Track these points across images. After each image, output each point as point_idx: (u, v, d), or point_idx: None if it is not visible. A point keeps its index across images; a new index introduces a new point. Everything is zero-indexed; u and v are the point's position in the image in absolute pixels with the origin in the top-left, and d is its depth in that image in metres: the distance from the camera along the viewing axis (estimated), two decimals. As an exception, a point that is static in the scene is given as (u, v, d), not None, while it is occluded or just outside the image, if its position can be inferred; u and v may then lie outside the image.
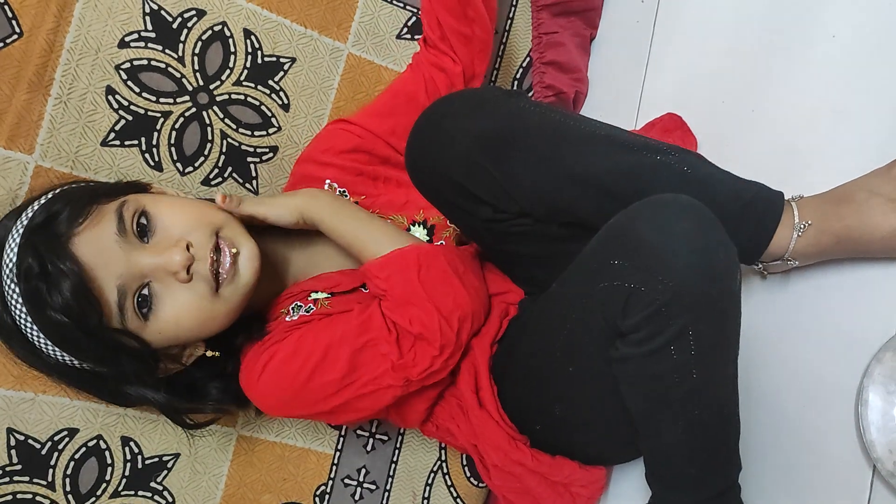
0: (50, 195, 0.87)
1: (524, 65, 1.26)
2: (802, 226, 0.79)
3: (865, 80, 0.88)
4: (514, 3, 1.23)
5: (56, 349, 0.83)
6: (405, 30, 1.17)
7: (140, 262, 0.82)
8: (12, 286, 0.81)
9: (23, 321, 0.82)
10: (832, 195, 0.80)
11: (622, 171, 0.80)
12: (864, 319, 0.81)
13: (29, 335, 0.83)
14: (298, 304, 0.95)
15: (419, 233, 1.00)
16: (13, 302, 0.81)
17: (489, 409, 0.93)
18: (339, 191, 1.02)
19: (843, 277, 0.83)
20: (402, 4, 1.16)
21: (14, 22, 0.94)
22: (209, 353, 0.92)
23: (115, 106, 1.00)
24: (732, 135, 1.00)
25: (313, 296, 0.95)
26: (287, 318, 0.94)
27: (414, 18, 1.17)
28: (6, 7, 0.93)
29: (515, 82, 1.26)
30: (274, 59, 1.09)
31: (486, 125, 0.82)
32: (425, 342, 0.87)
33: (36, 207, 0.85)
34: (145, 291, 0.83)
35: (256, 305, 0.94)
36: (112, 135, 1.00)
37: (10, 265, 0.81)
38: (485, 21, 1.06)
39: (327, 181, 1.03)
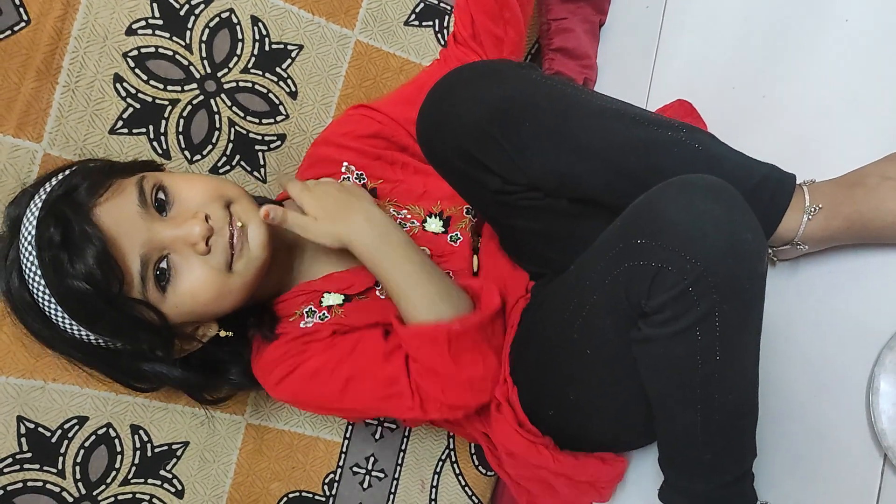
0: (67, 171, 0.87)
1: (532, 51, 1.25)
2: (813, 209, 0.79)
3: (879, 66, 0.88)
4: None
5: (73, 322, 0.83)
6: (413, 16, 1.16)
7: (161, 233, 0.82)
8: (31, 258, 0.80)
9: (40, 294, 0.82)
10: (844, 180, 0.80)
11: (633, 146, 0.80)
12: (876, 307, 0.80)
13: (46, 309, 0.83)
14: (313, 309, 0.94)
15: (435, 224, 0.99)
16: (31, 274, 0.81)
17: (507, 416, 0.93)
18: (357, 174, 1.02)
19: (853, 265, 0.82)
20: (409, -9, 1.16)
21: (21, 9, 0.93)
22: (222, 333, 0.91)
23: (123, 94, 0.99)
24: (743, 121, 0.99)
25: (326, 299, 0.94)
26: (301, 324, 0.93)
27: (422, 5, 1.16)
28: (14, -7, 0.93)
29: (523, 70, 1.25)
30: (281, 46, 1.08)
31: (497, 94, 0.81)
32: (450, 407, 0.88)
33: (53, 182, 0.84)
34: (164, 264, 0.83)
35: (267, 293, 0.94)
36: (120, 123, 1.00)
37: (29, 237, 0.81)
38: (519, 24, 1.05)
39: (345, 163, 1.03)
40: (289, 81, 1.09)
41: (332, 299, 0.95)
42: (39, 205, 0.82)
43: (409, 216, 1.00)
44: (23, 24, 0.93)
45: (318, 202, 0.89)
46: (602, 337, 0.79)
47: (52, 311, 0.83)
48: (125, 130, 1.00)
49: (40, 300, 0.82)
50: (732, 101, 1.02)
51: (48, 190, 0.83)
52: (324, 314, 0.94)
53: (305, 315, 0.94)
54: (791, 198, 0.79)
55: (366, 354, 0.89)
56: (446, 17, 1.18)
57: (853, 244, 0.82)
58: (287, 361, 0.90)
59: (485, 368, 0.89)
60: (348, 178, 1.01)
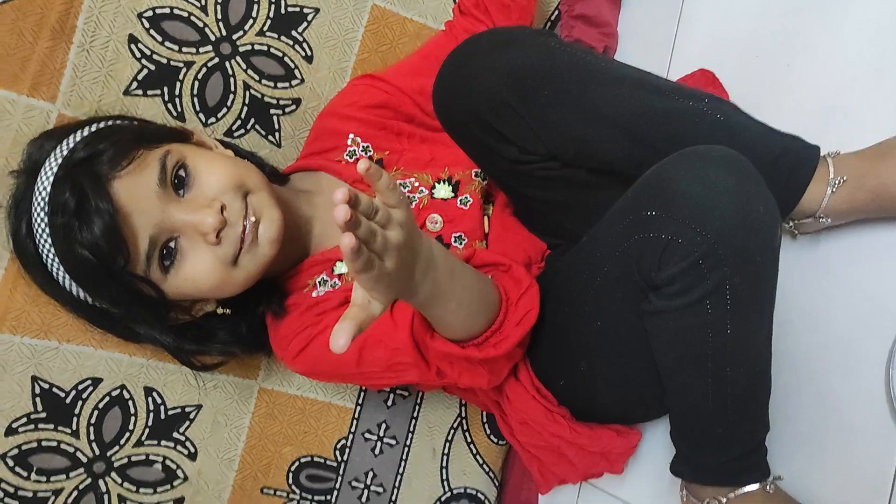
0: (94, 128, 0.86)
1: (552, 18, 1.23)
2: (837, 181, 0.77)
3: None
4: (542, -47, 1.21)
5: (74, 284, 0.84)
6: (431, -20, 1.14)
7: (174, 215, 0.82)
8: (42, 216, 0.81)
9: (46, 251, 0.82)
10: (870, 152, 0.79)
11: (652, 115, 0.78)
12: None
13: (49, 266, 0.84)
14: (325, 277, 0.94)
15: (444, 190, 0.98)
16: (40, 231, 0.82)
17: (524, 382, 0.93)
18: (363, 145, 1.01)
19: (874, 240, 0.81)
20: (428, -46, 1.14)
21: (36, -34, 0.92)
22: (220, 311, 0.92)
23: (138, 55, 0.99)
24: (766, 92, 0.97)
25: (338, 267, 0.94)
26: (313, 294, 0.93)
27: (440, -31, 1.14)
28: (28, -49, 0.92)
29: (542, 36, 1.24)
30: (297, 9, 1.07)
31: (514, 62, 0.80)
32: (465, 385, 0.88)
33: (78, 139, 0.84)
34: (172, 245, 0.83)
35: (278, 269, 0.94)
36: (134, 84, 0.99)
37: (44, 194, 0.81)
38: None
39: (350, 135, 1.02)
40: (304, 45, 1.08)
41: (344, 267, 0.94)
42: (60, 161, 0.82)
43: (417, 184, 0.99)
44: (37, -18, 0.93)
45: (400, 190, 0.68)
46: (613, 308, 0.79)
47: (55, 269, 0.84)
48: (139, 92, 0.99)
49: (45, 256, 0.83)
50: (756, 71, 1.00)
51: (72, 147, 0.83)
52: (335, 282, 0.94)
53: (318, 284, 0.94)
54: (815, 170, 0.78)
55: (377, 322, 0.89)
56: (465, -18, 1.16)
57: (875, 219, 0.80)
58: (302, 334, 0.90)
59: (506, 361, 0.89)
60: (354, 150, 1.00)
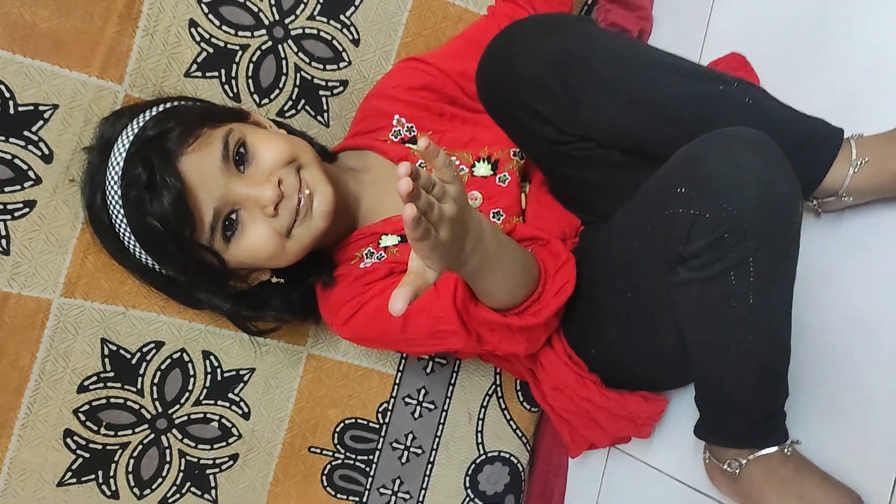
0: (161, 108, 0.93)
1: (589, 2, 1.27)
2: (859, 162, 0.81)
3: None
4: (580, -61, 1.24)
5: (143, 252, 0.91)
6: (472, -34, 1.19)
7: (236, 189, 0.89)
8: (116, 188, 0.88)
9: (119, 221, 0.90)
10: (892, 134, 0.82)
11: (685, 98, 0.83)
12: (916, 259, 0.83)
13: (121, 235, 0.91)
14: (371, 250, 1.00)
15: (484, 168, 1.04)
16: (113, 203, 0.89)
17: (557, 350, 0.99)
18: (408, 126, 1.07)
19: (893, 218, 0.85)
20: (470, -59, 1.18)
21: (105, -44, 0.99)
22: (274, 280, 0.99)
23: (198, 38, 1.05)
24: (796, 75, 1.00)
25: (383, 240, 1.00)
26: (361, 265, 0.99)
27: (482, -45, 1.19)
28: (98, -58, 0.98)
29: (579, 20, 1.28)
30: (346, -6, 1.12)
31: (554, 47, 0.85)
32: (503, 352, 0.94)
33: (147, 118, 0.91)
34: (233, 216, 0.90)
35: (328, 241, 1.00)
36: (194, 66, 1.05)
37: (118, 169, 0.88)
38: None
39: (395, 115, 1.07)
40: (352, 29, 1.13)
41: (389, 240, 1.00)
42: (132, 138, 0.89)
43: (458, 163, 1.04)
44: (106, -30, 0.99)
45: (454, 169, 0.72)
46: (643, 281, 0.84)
47: (126, 238, 0.91)
48: (199, 74, 1.06)
49: (117, 226, 0.91)
50: (786, 54, 1.03)
51: (142, 125, 0.90)
52: (381, 254, 1.00)
53: (365, 257, 1.00)
54: (838, 151, 0.82)
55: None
56: (505, -33, 1.20)
57: (894, 198, 0.84)
58: (351, 302, 0.96)
59: (543, 330, 0.94)
60: (399, 130, 1.06)
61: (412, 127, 1.07)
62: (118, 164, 0.88)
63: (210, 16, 1.05)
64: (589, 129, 0.87)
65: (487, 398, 1.22)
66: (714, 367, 0.81)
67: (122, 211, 0.89)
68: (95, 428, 1.03)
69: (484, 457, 1.21)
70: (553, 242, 0.92)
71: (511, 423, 1.22)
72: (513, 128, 0.94)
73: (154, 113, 0.92)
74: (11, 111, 0.96)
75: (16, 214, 0.97)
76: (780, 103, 0.85)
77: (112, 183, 0.89)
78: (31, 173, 0.97)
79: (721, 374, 0.80)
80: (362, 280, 0.98)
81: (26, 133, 0.97)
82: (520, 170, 1.04)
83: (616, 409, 0.97)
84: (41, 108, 0.97)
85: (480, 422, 1.21)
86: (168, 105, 0.95)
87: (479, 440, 1.21)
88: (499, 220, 1.02)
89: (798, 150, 0.81)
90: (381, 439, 1.18)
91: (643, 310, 0.87)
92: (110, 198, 0.90)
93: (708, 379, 0.83)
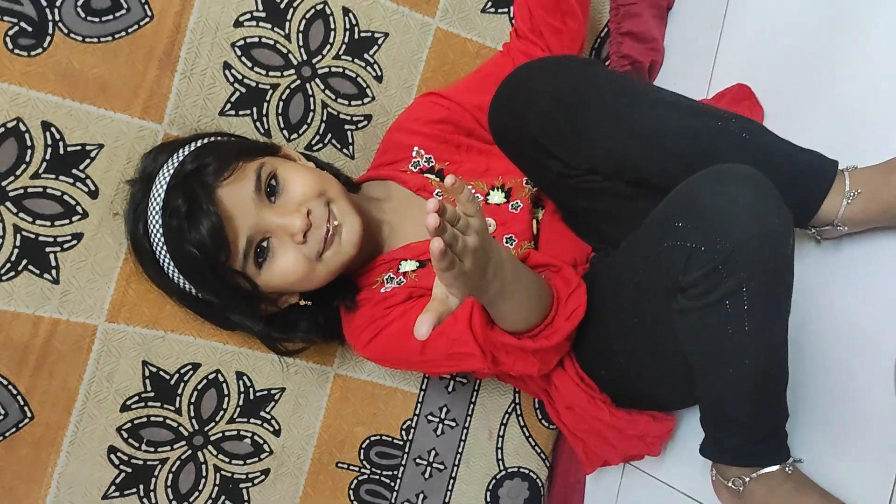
0: (199, 144, 1.01)
1: (602, 35, 1.32)
2: (853, 194, 0.85)
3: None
4: (593, -25, 1.30)
5: (181, 277, 0.98)
6: (489, 4, 1.25)
7: (267, 219, 0.95)
8: (157, 218, 0.95)
9: (159, 248, 0.97)
10: (884, 167, 0.86)
11: (684, 134, 0.88)
12: (908, 284, 0.87)
13: (161, 260, 0.98)
14: (391, 275, 1.06)
15: (498, 196, 1.09)
16: (154, 231, 0.96)
17: (569, 371, 1.04)
18: (426, 157, 1.13)
19: (889, 245, 0.88)
20: (486, -20, 1.24)
21: (146, 6, 1.06)
22: (302, 303, 1.05)
23: (231, 79, 1.12)
24: (797, 106, 1.05)
25: (403, 266, 1.06)
26: (382, 290, 1.05)
27: (498, -7, 1.25)
28: (140, -7, 1.06)
29: (593, 52, 1.33)
30: (369, 34, 1.19)
31: (562, 87, 0.90)
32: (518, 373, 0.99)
33: (186, 153, 0.98)
34: (264, 244, 0.96)
35: (352, 267, 1.06)
36: (228, 105, 1.13)
37: (159, 199, 0.95)
38: (576, 14, 1.14)
39: (415, 147, 1.14)
40: (375, 66, 1.20)
41: (409, 266, 1.06)
42: (171, 171, 0.96)
43: (473, 191, 1.10)
44: (147, 19, 1.07)
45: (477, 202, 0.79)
46: (647, 307, 0.88)
47: (166, 265, 0.98)
48: (232, 112, 1.13)
49: (158, 253, 0.98)
50: (788, 87, 1.07)
51: (181, 159, 0.97)
52: (400, 279, 1.06)
53: (385, 282, 1.06)
54: (832, 183, 0.86)
55: None
56: (521, 4, 1.26)
57: (890, 226, 0.88)
58: (372, 325, 1.02)
59: (556, 352, 0.99)
60: (418, 161, 1.12)
61: (431, 158, 1.14)
62: (159, 195, 0.96)
63: (243, 58, 1.12)
64: (595, 164, 0.92)
65: (507, 416, 1.27)
66: (715, 389, 0.85)
67: (162, 239, 0.96)
68: (137, 445, 1.10)
69: (504, 472, 1.26)
70: (565, 269, 0.98)
71: (530, 439, 1.27)
72: (523, 162, 1.00)
73: (192, 148, 1.00)
74: (61, 151, 1.04)
75: (65, 246, 1.05)
76: (776, 137, 0.89)
77: (154, 213, 0.96)
78: (78, 208, 1.05)
79: (722, 397, 0.85)
80: (383, 304, 1.04)
81: (74, 171, 1.05)
82: (532, 197, 1.10)
83: (625, 428, 1.02)
84: (88, 147, 1.05)
85: (500, 438, 1.26)
86: (205, 140, 1.03)
87: (500, 456, 1.26)
88: (511, 245, 1.07)
89: (794, 182, 0.86)
90: (405, 455, 1.23)
91: (649, 334, 0.92)
92: (152, 227, 0.97)
93: (710, 400, 0.88)
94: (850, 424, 0.90)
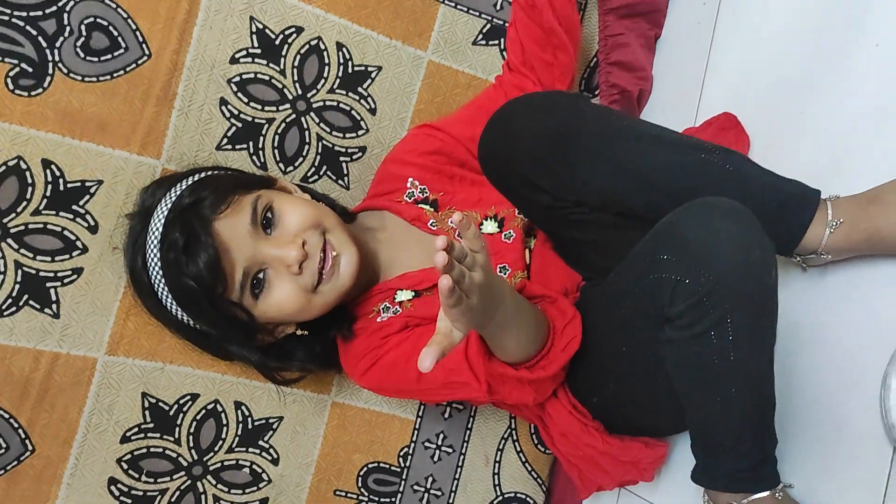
0: (196, 178, 1.03)
1: (591, 64, 1.35)
2: (835, 223, 0.87)
3: (906, 88, 0.95)
4: (582, 6, 1.32)
5: (179, 309, 1.00)
6: (480, 36, 1.27)
7: (263, 250, 0.97)
8: (155, 251, 0.97)
9: (157, 281, 0.99)
10: (864, 196, 0.88)
11: (669, 167, 0.90)
12: (890, 312, 0.88)
13: (160, 293, 1.00)
14: (387, 304, 1.08)
15: (491, 226, 1.11)
16: (153, 264, 0.98)
17: (562, 399, 1.05)
18: (420, 188, 1.15)
19: (872, 273, 0.90)
20: (477, 13, 1.27)
21: (144, 45, 1.09)
22: (298, 332, 1.07)
23: (228, 115, 1.15)
24: (782, 135, 1.07)
25: (399, 295, 1.08)
26: (378, 319, 1.07)
27: (489, 26, 1.27)
28: (138, 33, 1.08)
29: (583, 81, 1.35)
30: (362, 67, 1.21)
31: (549, 123, 0.93)
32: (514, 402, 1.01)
33: (184, 187, 1.00)
34: (261, 276, 0.98)
35: (348, 297, 1.07)
36: (225, 140, 1.15)
37: (157, 233, 0.97)
38: (567, 48, 1.17)
39: (410, 178, 1.16)
40: (369, 99, 1.22)
41: (404, 295, 1.08)
42: (169, 205, 0.98)
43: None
44: (145, 58, 1.09)
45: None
46: (636, 337, 0.90)
47: (164, 297, 1.00)
48: (229, 147, 1.15)
49: (156, 286, 0.99)
50: (773, 116, 1.10)
51: (178, 193, 0.99)
52: (396, 309, 1.07)
53: (381, 311, 1.07)
54: (814, 213, 0.88)
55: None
56: (511, 36, 1.28)
57: (873, 254, 0.90)
58: (369, 355, 1.04)
59: (551, 381, 1.01)
60: (413, 192, 1.14)
61: (425, 189, 1.16)
62: (157, 229, 0.98)
63: (239, 94, 1.15)
64: (582, 196, 0.94)
65: (503, 441, 1.28)
66: (703, 418, 0.86)
67: (160, 272, 0.98)
68: (137, 476, 1.11)
69: (501, 498, 1.27)
70: (560, 300, 0.99)
71: (526, 465, 1.28)
72: (512, 195, 1.02)
73: (190, 182, 1.02)
74: (61, 188, 1.06)
75: (65, 281, 1.06)
76: (759, 168, 0.91)
77: (152, 246, 0.98)
78: (78, 243, 1.07)
79: (710, 424, 0.86)
80: (379, 334, 1.06)
81: (74, 207, 1.07)
82: (524, 227, 1.12)
83: (618, 455, 1.03)
84: (88, 183, 1.07)
85: (497, 464, 1.28)
86: (202, 175, 1.05)
87: (496, 482, 1.27)
88: (505, 273, 1.09)
89: (778, 212, 0.88)
90: (403, 482, 1.24)
91: (639, 362, 0.93)
92: (150, 260, 0.99)
93: (699, 428, 0.89)
94: (838, 449, 0.91)
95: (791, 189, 0.89)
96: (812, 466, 0.93)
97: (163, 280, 0.98)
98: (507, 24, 1.28)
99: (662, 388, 0.91)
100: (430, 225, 1.11)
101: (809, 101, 1.05)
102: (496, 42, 1.28)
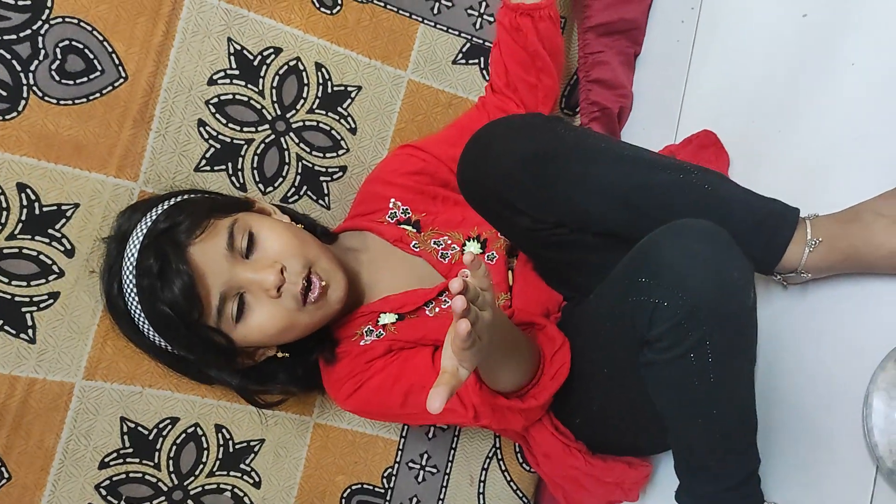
0: (172, 202, 1.02)
1: (572, 82, 1.35)
2: (814, 242, 0.87)
3: (883, 106, 0.95)
4: (562, 25, 1.33)
5: (156, 335, 0.99)
6: (460, 55, 1.27)
7: (240, 275, 0.96)
8: (131, 277, 0.96)
9: (133, 307, 0.97)
10: (843, 215, 0.88)
11: (647, 188, 0.90)
12: (871, 330, 0.89)
13: (136, 319, 0.99)
14: (370, 328, 1.07)
15: (474, 247, 1.11)
16: (129, 290, 0.97)
17: (545, 421, 1.05)
18: (403, 208, 1.14)
19: (854, 291, 0.91)
20: (457, 32, 1.27)
21: (120, 68, 1.08)
22: (280, 355, 1.06)
23: (206, 136, 1.14)
24: (761, 153, 1.07)
25: (382, 318, 1.07)
26: (361, 343, 1.06)
27: (468, 45, 1.27)
28: (114, 55, 1.08)
29: (564, 99, 1.36)
30: (342, 87, 1.21)
31: (527, 147, 0.93)
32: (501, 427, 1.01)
33: (159, 211, 0.99)
34: (239, 301, 0.97)
35: (332, 320, 1.06)
36: (203, 161, 1.14)
37: (132, 259, 0.96)
38: (551, 72, 1.17)
39: (392, 199, 1.15)
40: (349, 119, 1.22)
41: (387, 318, 1.07)
42: (145, 230, 0.97)
43: (449, 242, 1.11)
44: (122, 80, 1.08)
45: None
46: (616, 358, 0.90)
47: (141, 323, 0.99)
48: (207, 168, 1.14)
49: (133, 311, 0.98)
50: (752, 134, 1.10)
51: (154, 218, 0.98)
52: (380, 332, 1.07)
53: (365, 334, 1.07)
54: (793, 232, 0.88)
55: (418, 371, 1.01)
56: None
57: (853, 273, 0.90)
58: (353, 379, 1.03)
59: (541, 409, 1.00)
60: (395, 212, 1.14)
61: (407, 209, 1.15)
62: (133, 255, 0.97)
63: (217, 115, 1.14)
64: (562, 218, 0.94)
65: (488, 461, 1.27)
66: (685, 439, 0.86)
67: (136, 298, 0.97)
68: (116, 502, 1.09)
69: (486, 518, 1.27)
70: (549, 327, 1.00)
71: (511, 483, 1.28)
72: (492, 217, 1.02)
73: (166, 206, 1.01)
74: (37, 212, 1.05)
75: (41, 306, 1.05)
76: (738, 187, 0.91)
77: (127, 272, 0.97)
78: (55, 267, 1.06)
79: (692, 445, 0.86)
80: (363, 357, 1.05)
81: (50, 231, 1.05)
82: (507, 248, 1.11)
83: (602, 476, 1.03)
84: (63, 207, 1.06)
85: (482, 483, 1.27)
86: (179, 199, 1.04)
87: (481, 501, 1.26)
88: (489, 297, 1.09)
89: (757, 231, 0.88)
90: (387, 503, 1.23)
91: (621, 383, 0.93)
92: (126, 286, 0.97)
93: (681, 449, 0.89)
94: (822, 468, 0.91)
95: (770, 208, 0.90)
96: (796, 485, 0.93)
97: (139, 306, 0.97)
98: (486, 43, 1.28)
99: (645, 409, 0.90)
100: (413, 246, 1.10)
101: (788, 119, 1.05)
102: (476, 61, 1.28)
